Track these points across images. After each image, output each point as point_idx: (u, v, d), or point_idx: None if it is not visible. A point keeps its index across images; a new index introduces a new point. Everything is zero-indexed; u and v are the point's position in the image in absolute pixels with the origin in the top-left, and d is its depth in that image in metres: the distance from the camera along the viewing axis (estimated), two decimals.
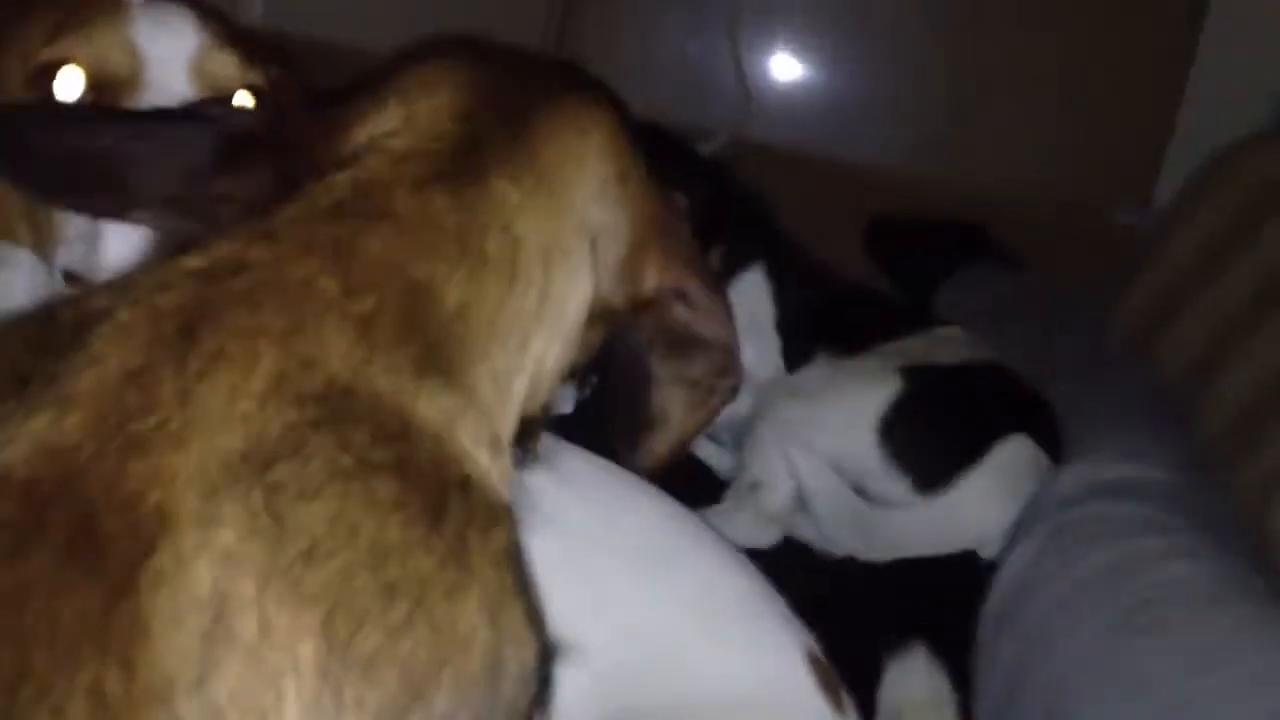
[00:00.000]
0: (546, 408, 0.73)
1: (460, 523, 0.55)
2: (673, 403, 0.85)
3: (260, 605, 0.49)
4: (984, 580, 1.29)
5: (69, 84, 0.88)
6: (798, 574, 1.23)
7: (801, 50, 2.29)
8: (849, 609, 1.30)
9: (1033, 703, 1.13)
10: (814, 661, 0.89)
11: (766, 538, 1.45)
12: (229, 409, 0.53)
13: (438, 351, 0.62)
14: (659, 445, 0.86)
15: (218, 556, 0.49)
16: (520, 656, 0.57)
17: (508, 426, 0.67)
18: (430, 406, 0.59)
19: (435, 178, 0.67)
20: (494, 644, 0.55)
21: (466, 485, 0.57)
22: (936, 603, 1.36)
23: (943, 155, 2.21)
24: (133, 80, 0.88)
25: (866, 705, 1.07)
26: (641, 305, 0.78)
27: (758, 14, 2.26)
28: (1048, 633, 1.17)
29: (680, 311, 0.80)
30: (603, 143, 0.75)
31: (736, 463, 1.55)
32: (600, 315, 0.75)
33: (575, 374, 0.76)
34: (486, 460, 0.61)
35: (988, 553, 1.37)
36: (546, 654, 0.59)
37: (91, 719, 0.47)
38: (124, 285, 0.59)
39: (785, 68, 2.29)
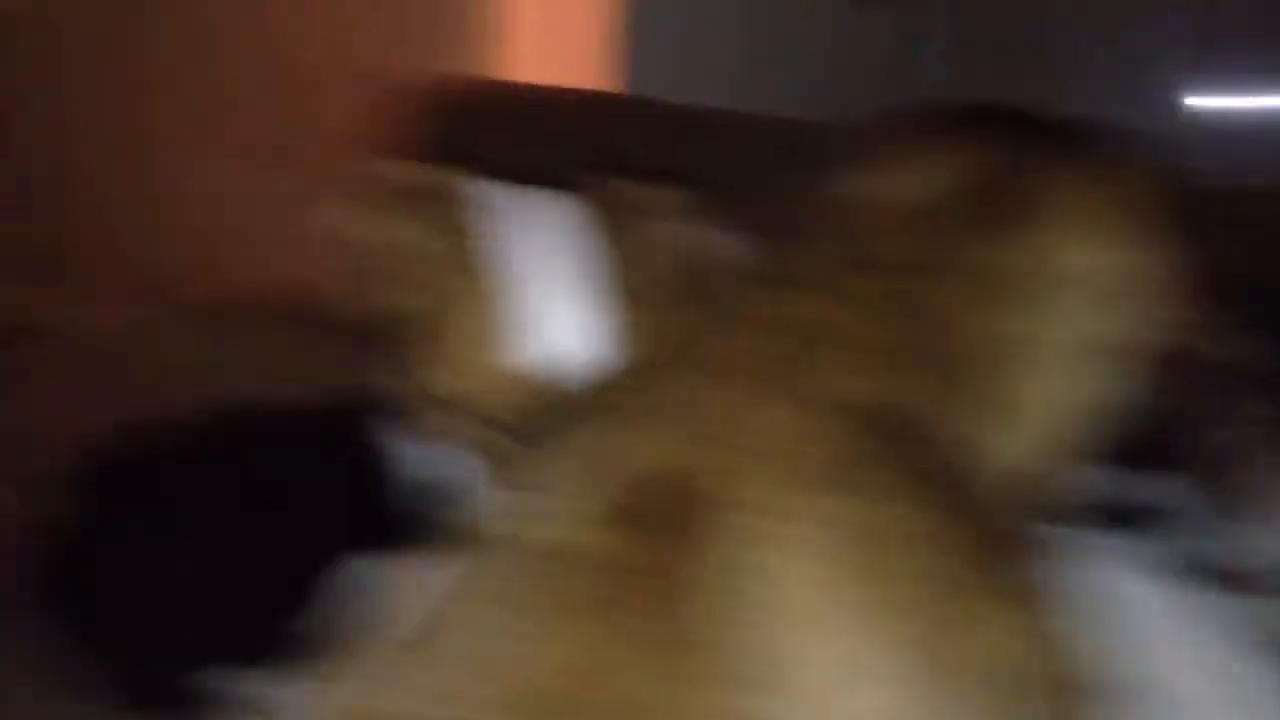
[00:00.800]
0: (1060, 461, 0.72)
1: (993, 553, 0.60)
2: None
3: (800, 579, 0.56)
4: None
5: None
6: None
7: None
8: None
9: None
10: None
11: None
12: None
13: (952, 377, 0.65)
14: None
15: (763, 536, 0.57)
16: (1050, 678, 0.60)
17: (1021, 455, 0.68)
18: (955, 429, 0.64)
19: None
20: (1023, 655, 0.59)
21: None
22: None
23: None
24: None
25: None
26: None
27: None
28: None
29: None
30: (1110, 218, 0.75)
31: None
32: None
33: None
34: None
35: None
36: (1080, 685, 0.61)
37: (664, 671, 0.53)
38: None
39: None
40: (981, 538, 0.61)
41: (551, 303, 0.81)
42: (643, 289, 0.81)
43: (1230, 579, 0.82)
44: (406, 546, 0.83)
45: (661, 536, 0.57)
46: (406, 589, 0.61)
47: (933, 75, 2.09)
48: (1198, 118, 2.16)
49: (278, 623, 0.91)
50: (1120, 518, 0.80)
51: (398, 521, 0.89)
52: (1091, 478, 0.76)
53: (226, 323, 1.90)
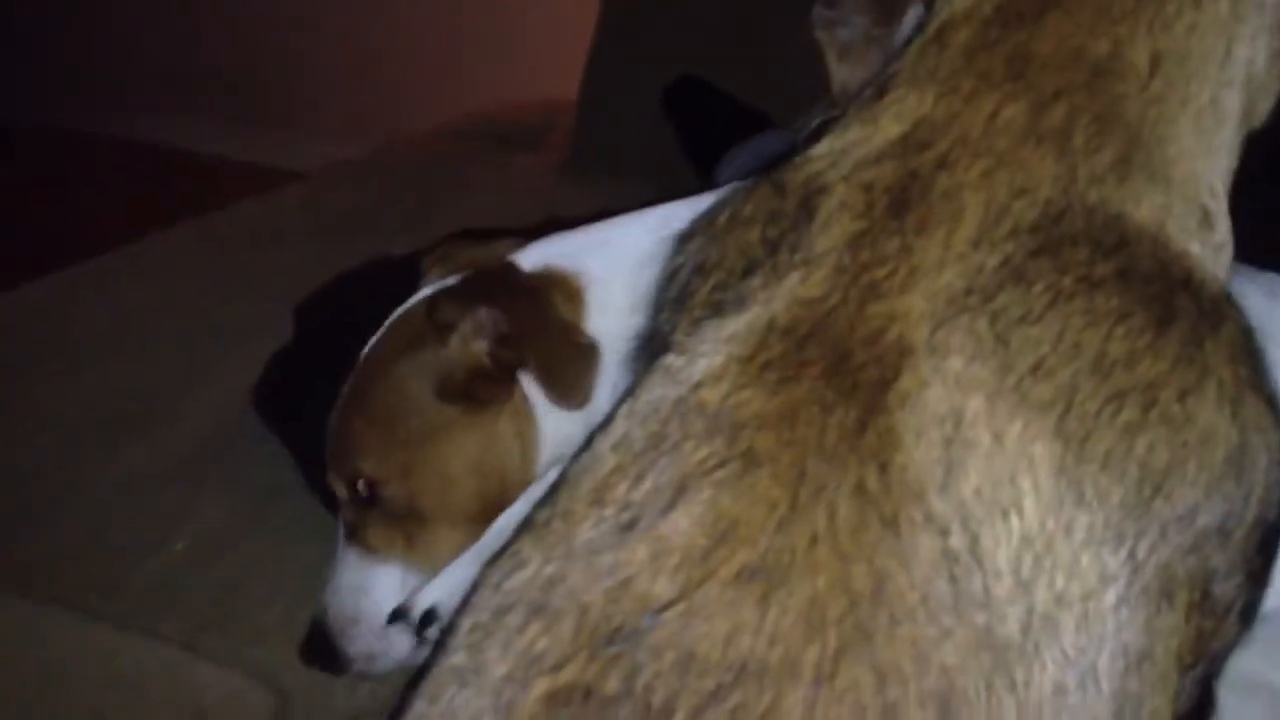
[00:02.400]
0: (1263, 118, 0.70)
1: (1189, 324, 0.59)
2: None
3: (990, 418, 0.56)
4: None
5: None
6: None
7: None
8: None
9: None
10: None
11: None
12: (945, 254, 0.60)
13: (1135, 142, 0.63)
14: None
15: (950, 379, 0.56)
16: (1267, 446, 0.59)
17: (1218, 182, 0.66)
18: (1141, 208, 0.62)
19: None
20: (1236, 437, 0.58)
21: (1190, 283, 0.60)
22: None
23: None
24: None
25: None
26: None
27: None
28: None
29: None
30: None
31: None
32: None
33: None
34: (1198, 248, 0.63)
35: None
36: None
37: (858, 512, 0.54)
38: (836, 154, 0.66)
39: None
40: (1179, 329, 0.58)
41: None
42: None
43: None
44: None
45: (838, 380, 0.57)
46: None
47: None
48: None
49: None
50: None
51: None
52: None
53: (434, 156, 1.95)
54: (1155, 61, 0.65)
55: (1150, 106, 0.64)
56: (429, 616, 0.88)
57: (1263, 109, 0.70)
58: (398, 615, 0.91)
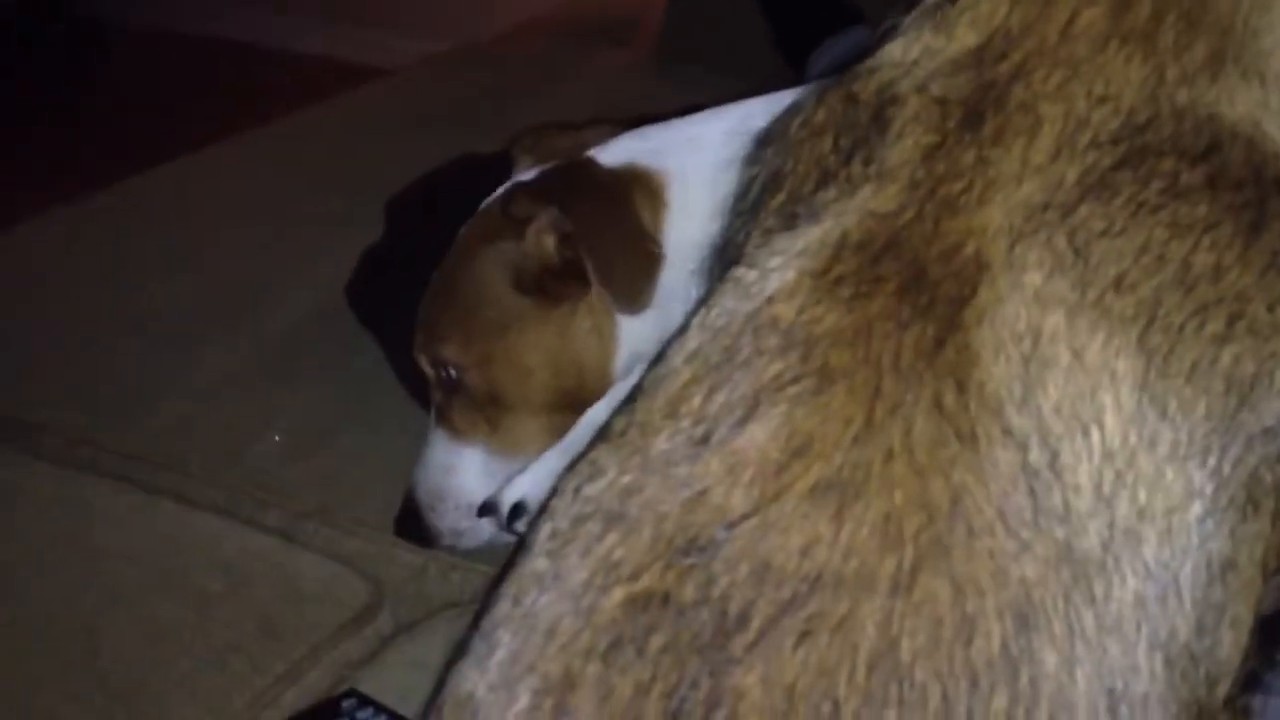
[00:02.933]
0: None
1: None
2: None
3: (1070, 333, 0.54)
4: None
5: None
6: None
7: None
8: None
9: None
10: None
11: None
12: (1023, 168, 0.58)
13: (1228, 36, 0.60)
14: None
15: (1029, 295, 0.55)
16: None
17: None
18: (1235, 107, 0.59)
19: None
20: None
21: None
22: None
23: None
24: None
25: None
26: None
27: None
28: None
29: None
30: None
31: None
32: None
33: None
34: None
35: None
36: None
37: (935, 428, 0.53)
38: (909, 63, 0.64)
39: None
40: (1270, 237, 0.56)
41: None
42: None
43: None
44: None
45: (913, 296, 0.56)
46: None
47: None
48: None
49: None
50: None
51: None
52: None
53: (523, 50, 1.94)
54: None
55: (1239, 7, 0.61)
56: (518, 510, 0.91)
57: None
58: (487, 509, 0.93)
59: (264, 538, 0.99)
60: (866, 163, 0.61)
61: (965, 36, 0.63)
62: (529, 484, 0.91)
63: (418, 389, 1.03)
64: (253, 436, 1.09)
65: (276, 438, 1.09)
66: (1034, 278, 0.55)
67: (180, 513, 1.01)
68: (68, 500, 1.02)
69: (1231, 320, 0.55)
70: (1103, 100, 0.59)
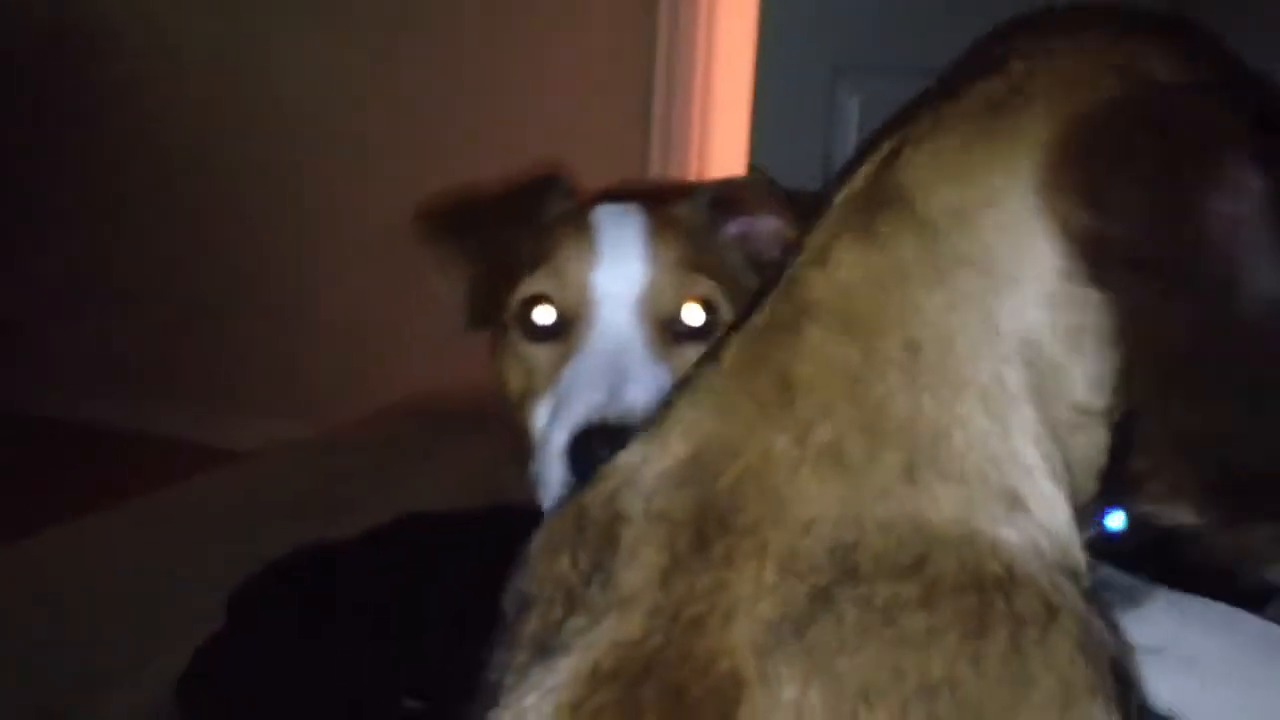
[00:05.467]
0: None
1: (1009, 632, 0.56)
2: None
3: None
4: None
5: (544, 314, 1.11)
6: None
7: None
8: None
9: None
10: None
11: None
12: (757, 589, 0.59)
13: (915, 441, 0.61)
14: None
15: (788, 709, 0.56)
16: None
17: (1032, 459, 0.62)
18: (941, 507, 0.59)
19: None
20: None
21: (1006, 584, 0.57)
22: None
23: None
24: (587, 317, 1.09)
25: None
26: None
27: None
28: None
29: None
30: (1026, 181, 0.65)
31: None
32: None
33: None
34: (1015, 536, 0.60)
35: None
36: None
37: None
38: (630, 471, 0.66)
39: None
40: (996, 641, 0.56)
41: None
42: None
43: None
44: None
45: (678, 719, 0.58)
46: None
47: None
48: None
49: None
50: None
51: None
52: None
53: (375, 436, 1.95)
54: (913, 349, 0.63)
55: (922, 396, 0.62)
56: None
57: (1068, 398, 0.66)
58: None
59: None
60: (605, 586, 0.62)
61: (677, 447, 0.65)
62: None
63: None
64: None
65: None
66: (790, 692, 0.56)
67: None
68: None
69: None
70: (809, 525, 0.60)
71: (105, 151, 3.56)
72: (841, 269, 0.65)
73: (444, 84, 3.09)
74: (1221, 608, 0.78)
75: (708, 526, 0.61)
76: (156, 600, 1.31)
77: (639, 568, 0.61)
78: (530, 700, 0.59)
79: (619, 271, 1.09)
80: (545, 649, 0.61)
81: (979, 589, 0.57)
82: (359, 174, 3.24)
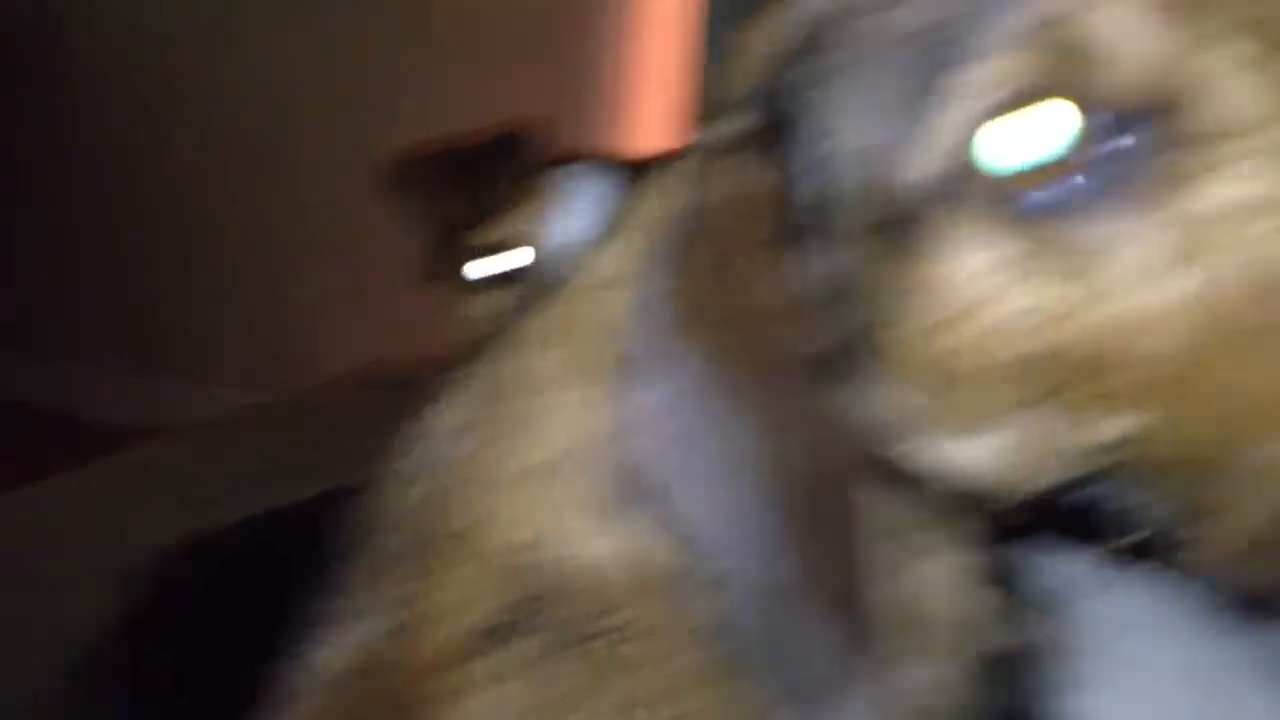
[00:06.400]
0: None
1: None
2: None
3: None
4: None
5: (501, 263, 1.15)
6: None
7: None
8: None
9: None
10: None
11: None
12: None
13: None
14: None
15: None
16: None
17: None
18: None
19: None
20: None
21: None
22: None
23: None
24: (544, 269, 1.06)
25: None
26: None
27: None
28: None
29: None
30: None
31: None
32: None
33: None
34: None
35: None
36: None
37: None
38: None
39: None
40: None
41: None
42: None
43: None
44: None
45: None
46: None
47: None
48: None
49: None
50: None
51: None
52: None
53: (331, 407, 1.90)
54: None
55: None
56: None
57: None
58: None
59: None
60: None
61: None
62: None
63: None
64: None
65: None
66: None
67: None
68: None
69: None
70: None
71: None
72: None
73: (413, 40, 3.02)
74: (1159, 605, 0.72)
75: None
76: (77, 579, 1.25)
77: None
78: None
79: (577, 226, 1.11)
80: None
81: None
82: (316, 135, 3.16)
